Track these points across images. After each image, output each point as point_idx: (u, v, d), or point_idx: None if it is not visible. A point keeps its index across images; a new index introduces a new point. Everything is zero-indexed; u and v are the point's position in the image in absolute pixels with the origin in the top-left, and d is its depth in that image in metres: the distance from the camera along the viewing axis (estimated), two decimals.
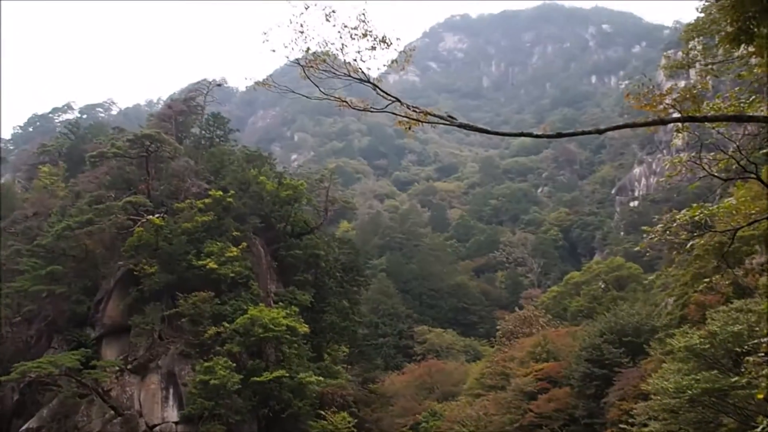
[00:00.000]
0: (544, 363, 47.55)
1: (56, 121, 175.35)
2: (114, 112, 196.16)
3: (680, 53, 18.10)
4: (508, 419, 44.61)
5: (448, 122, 13.58)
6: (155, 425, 41.30)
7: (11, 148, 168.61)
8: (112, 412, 42.40)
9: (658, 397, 27.78)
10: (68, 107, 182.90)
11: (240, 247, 48.85)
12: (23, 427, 44.02)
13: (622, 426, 33.54)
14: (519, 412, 44.52)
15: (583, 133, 14.48)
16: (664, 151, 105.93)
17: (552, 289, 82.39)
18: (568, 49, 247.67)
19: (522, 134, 16.77)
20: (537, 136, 15.51)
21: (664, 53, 64.42)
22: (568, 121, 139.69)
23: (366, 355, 67.83)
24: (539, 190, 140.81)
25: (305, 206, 63.65)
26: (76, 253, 51.47)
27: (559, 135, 14.81)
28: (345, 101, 13.15)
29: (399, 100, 12.81)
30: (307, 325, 46.39)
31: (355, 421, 47.41)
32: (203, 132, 70.81)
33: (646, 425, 30.03)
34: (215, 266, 46.52)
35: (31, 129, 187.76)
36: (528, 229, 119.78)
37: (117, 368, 44.29)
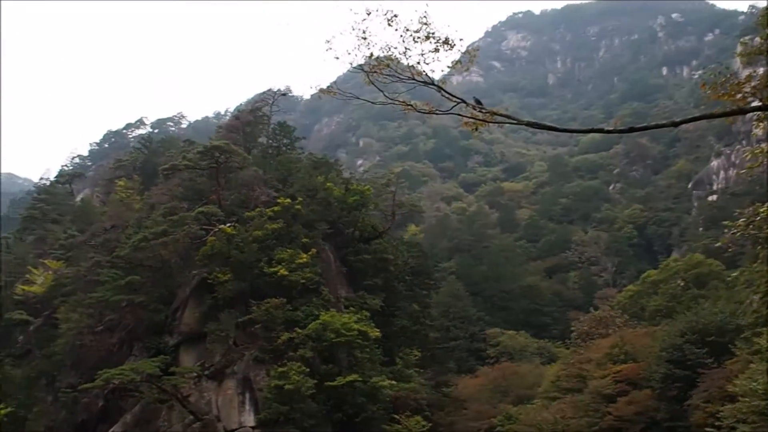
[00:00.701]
0: (622, 364, 46.46)
1: (130, 136, 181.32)
2: (184, 126, 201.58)
3: (758, 39, 17.43)
4: (585, 422, 43.75)
5: (515, 121, 13.48)
6: (233, 430, 42.17)
7: (89, 164, 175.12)
8: (192, 417, 43.52)
9: (747, 399, 26.82)
10: (141, 122, 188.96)
11: (309, 253, 49.48)
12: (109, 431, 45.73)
13: (707, 429, 32.46)
14: (597, 415, 43.61)
15: (657, 126, 14.14)
16: (744, 142, 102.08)
17: (628, 288, 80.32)
18: (636, 41, 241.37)
19: (592, 130, 16.54)
20: (608, 132, 15.25)
21: (740, 40, 61.97)
22: (638, 115, 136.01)
23: (438, 358, 67.59)
24: (611, 187, 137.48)
25: (372, 211, 63.98)
26: (153, 263, 53.07)
27: (632, 129, 14.52)
28: (409, 105, 13.18)
29: (464, 101, 12.77)
30: (378, 330, 46.59)
31: (429, 424, 47.19)
32: (270, 141, 72.10)
33: (734, 428, 29.01)
34: (286, 273, 47.25)
35: (106, 145, 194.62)
36: (600, 227, 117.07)
37: (195, 374, 45.44)
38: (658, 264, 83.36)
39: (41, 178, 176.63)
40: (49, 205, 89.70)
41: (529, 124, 14.52)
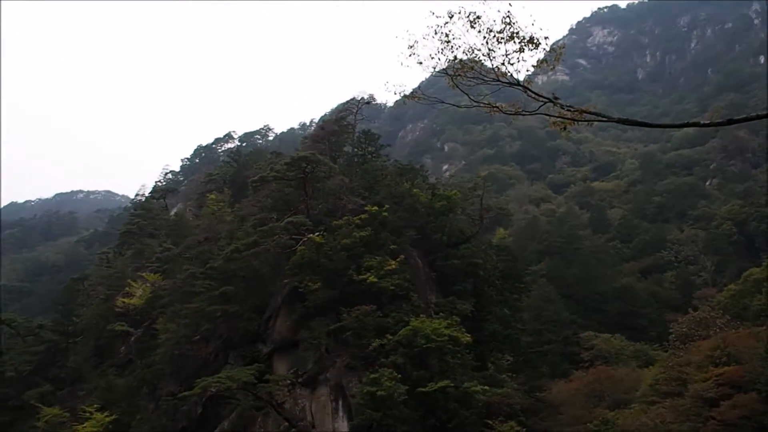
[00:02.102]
0: (724, 367, 44.32)
1: (219, 150, 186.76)
2: (271, 138, 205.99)
3: None
4: (687, 427, 41.89)
5: (605, 119, 13.04)
6: None
7: (181, 179, 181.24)
8: (287, 423, 44.19)
9: None
10: (229, 137, 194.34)
11: (398, 259, 49.52)
12: None
13: None
14: (699, 420, 41.69)
15: (756, 117, 13.36)
16: None
17: (729, 287, 76.66)
18: (729, 30, 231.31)
19: (686, 125, 15.78)
20: (703, 125, 14.56)
21: None
22: (735, 107, 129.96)
23: (531, 363, 66.37)
24: (707, 183, 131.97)
25: (460, 216, 63.54)
26: (245, 274, 54.31)
27: (730, 122, 13.81)
28: (495, 107, 12.95)
29: (552, 100, 12.43)
30: (468, 335, 46.12)
31: (524, 430, 46.37)
32: (355, 149, 72.70)
33: None
34: (375, 280, 47.43)
35: (197, 160, 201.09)
36: (697, 225, 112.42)
37: (288, 381, 46.14)
38: (761, 262, 79.35)
39: (137, 195, 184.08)
40: (145, 220, 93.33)
41: (619, 121, 14.00)
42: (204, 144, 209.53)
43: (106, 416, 54.24)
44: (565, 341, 76.66)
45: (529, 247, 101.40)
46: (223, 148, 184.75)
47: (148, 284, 67.75)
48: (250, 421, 45.81)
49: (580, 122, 12.75)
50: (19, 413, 66.82)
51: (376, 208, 52.71)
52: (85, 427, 54.08)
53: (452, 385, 41.75)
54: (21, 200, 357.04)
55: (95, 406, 56.28)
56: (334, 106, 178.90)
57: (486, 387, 44.19)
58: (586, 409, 56.12)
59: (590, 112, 12.57)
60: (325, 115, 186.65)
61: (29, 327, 78.68)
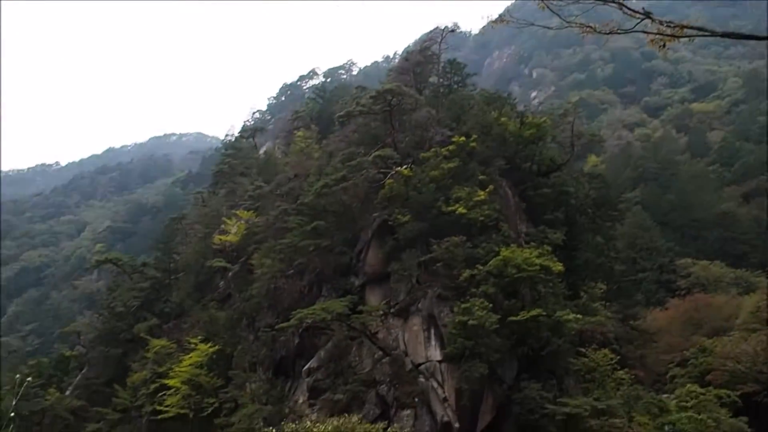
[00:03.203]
0: None
1: (304, 87, 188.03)
2: (354, 73, 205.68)
3: None
4: None
5: (708, 33, 12.28)
6: (420, 364, 43.27)
7: (268, 117, 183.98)
8: (381, 352, 45.23)
9: None
10: (313, 73, 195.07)
11: (487, 190, 48.96)
12: (305, 367, 48.74)
13: None
14: None
15: None
16: None
17: None
18: None
19: None
20: None
21: None
22: None
23: (625, 291, 65.21)
24: None
25: (550, 144, 62.02)
26: (335, 209, 55.08)
27: None
28: (588, 26, 12.40)
29: (649, 16, 11.77)
30: (560, 264, 45.48)
31: (618, 357, 45.94)
32: (441, 80, 71.60)
33: None
34: (464, 211, 47.16)
35: (283, 98, 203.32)
36: None
37: (381, 312, 47.05)
38: None
39: (227, 135, 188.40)
40: (236, 160, 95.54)
41: (724, 35, 13.14)
42: (289, 82, 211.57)
43: (210, 347, 56.98)
44: (660, 269, 74.89)
45: (623, 175, 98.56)
46: (308, 85, 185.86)
47: (242, 221, 69.70)
48: (345, 350, 47.13)
49: (679, 39, 12.02)
50: (130, 345, 71.06)
51: (463, 138, 52.04)
52: (190, 357, 57.05)
53: (544, 314, 41.48)
54: (118, 146, 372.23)
55: (199, 337, 59.17)
56: (418, 36, 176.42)
57: (578, 316, 43.71)
58: (683, 337, 55.15)
59: (691, 27, 11.82)
60: (409, 46, 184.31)
61: (134, 265, 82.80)
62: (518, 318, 41.28)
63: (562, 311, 42.49)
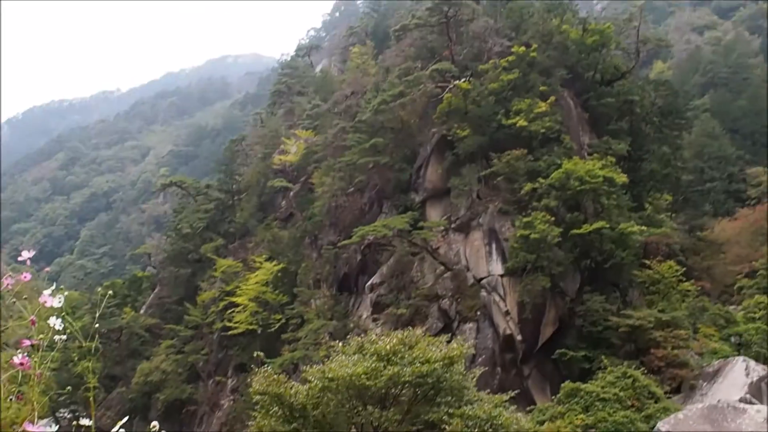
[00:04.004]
0: None
1: (358, 3, 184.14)
2: None
3: None
4: None
5: None
6: (482, 278, 43.44)
7: (323, 35, 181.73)
8: (442, 267, 45.53)
9: None
10: None
11: (548, 101, 47.62)
12: (368, 283, 49.55)
13: None
14: None
15: None
16: None
17: None
18: None
19: None
20: None
21: None
22: None
23: (691, 202, 63.63)
24: None
25: (614, 51, 59.59)
26: (393, 125, 54.64)
27: None
28: None
29: None
30: (624, 175, 44.45)
31: (683, 269, 45.17)
32: None
33: None
34: (525, 123, 46.14)
35: (337, 14, 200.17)
36: None
37: (442, 228, 47.11)
38: None
39: (282, 55, 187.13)
40: (292, 79, 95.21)
41: None
42: None
43: (274, 265, 58.29)
44: (729, 178, 72.58)
45: (691, 81, 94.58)
46: (361, 0, 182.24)
47: (301, 141, 69.96)
48: (407, 266, 47.60)
49: None
50: (198, 265, 73.25)
51: (523, 48, 50.38)
52: (256, 275, 58.54)
53: (608, 226, 40.84)
54: (176, 70, 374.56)
55: (263, 256, 60.51)
56: None
57: (643, 227, 42.95)
58: (752, 248, 53.75)
59: None
60: None
61: (198, 187, 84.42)
62: (581, 231, 40.79)
63: (626, 223, 41.78)
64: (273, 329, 55.59)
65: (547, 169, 44.22)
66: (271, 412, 20.60)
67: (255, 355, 43.76)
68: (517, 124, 46.13)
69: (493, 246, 43.91)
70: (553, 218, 40.77)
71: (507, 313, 41.29)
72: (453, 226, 47.15)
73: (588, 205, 43.70)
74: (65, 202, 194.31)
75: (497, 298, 41.95)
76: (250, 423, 26.87)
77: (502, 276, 42.51)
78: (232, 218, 75.63)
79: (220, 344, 63.44)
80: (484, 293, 42.75)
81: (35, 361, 3.01)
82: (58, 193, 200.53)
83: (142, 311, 78.72)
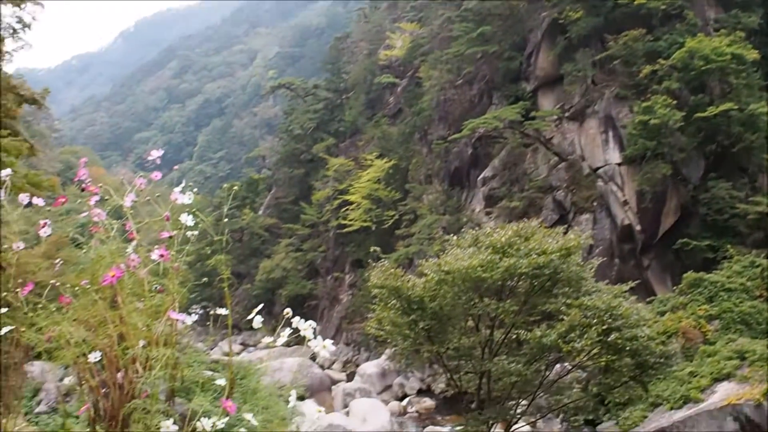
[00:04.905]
0: None
1: None
2: None
3: None
4: None
5: None
6: (598, 167, 42.11)
7: None
8: (556, 158, 44.39)
9: None
10: None
11: None
12: (480, 176, 49.10)
13: None
14: None
15: None
16: None
17: None
18: None
19: None
20: None
21: None
22: None
23: None
24: None
25: None
26: (501, 11, 52.53)
27: None
28: None
29: None
30: (756, 51, 41.11)
31: None
32: None
33: None
34: (643, 0, 43.16)
35: None
36: None
37: (555, 117, 45.61)
38: None
39: None
40: None
41: None
42: None
43: (385, 162, 58.64)
44: None
45: None
46: None
47: (406, 34, 68.60)
48: (519, 157, 46.72)
49: None
50: (311, 165, 74.81)
51: None
52: (368, 173, 59.19)
53: (735, 107, 38.22)
54: None
55: (374, 153, 60.91)
56: None
57: None
58: None
59: None
60: None
61: (306, 88, 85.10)
62: (706, 114, 38.42)
63: (756, 104, 38.98)
64: (387, 225, 56.52)
65: (669, 48, 41.52)
66: (389, 305, 21.07)
67: (372, 250, 44.83)
68: (635, 2, 43.13)
69: (610, 134, 42.22)
70: (674, 101, 38.53)
71: (625, 202, 40.08)
72: (567, 114, 45.54)
73: (714, 86, 40.96)
74: (181, 109, 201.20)
75: (615, 188, 40.70)
76: (369, 316, 27.72)
77: (619, 165, 41.03)
78: (342, 117, 76.11)
79: (336, 241, 65.29)
80: (600, 183, 41.54)
81: (173, 254, 3.04)
82: (173, 101, 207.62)
83: (260, 212, 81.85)
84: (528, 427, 29.00)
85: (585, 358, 19.91)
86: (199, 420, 2.89)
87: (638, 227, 39.32)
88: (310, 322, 2.96)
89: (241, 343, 64.27)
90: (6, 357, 3.33)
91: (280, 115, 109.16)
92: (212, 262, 47.04)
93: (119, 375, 2.92)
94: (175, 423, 2.83)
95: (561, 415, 23.40)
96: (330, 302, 63.37)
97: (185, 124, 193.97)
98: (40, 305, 3.08)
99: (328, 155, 69.67)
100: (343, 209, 60.63)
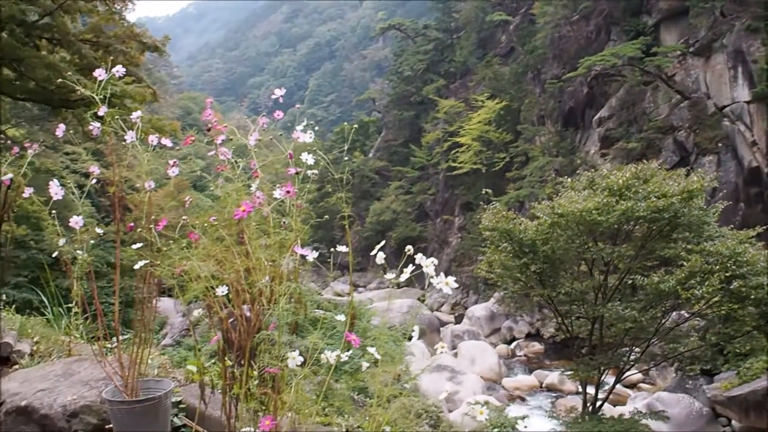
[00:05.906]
0: None
1: None
2: None
3: None
4: None
5: None
6: (724, 106, 39.68)
7: None
8: (678, 96, 42.13)
9: None
10: None
11: None
12: (595, 116, 47.40)
13: None
14: None
15: None
16: None
17: None
18: None
19: None
20: None
21: None
22: None
23: None
24: None
25: None
26: None
27: None
28: None
29: None
30: None
31: None
32: None
33: None
34: None
35: None
36: None
37: (678, 52, 43.10)
38: None
39: None
40: None
41: None
42: None
43: (497, 103, 57.48)
44: None
45: None
46: None
47: None
48: (638, 96, 44.63)
49: None
50: (421, 107, 74.43)
51: None
52: (478, 114, 58.28)
53: None
54: None
55: (485, 94, 59.77)
56: None
57: None
58: None
59: None
60: None
61: (416, 28, 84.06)
62: None
63: None
64: (497, 168, 55.76)
65: None
66: (500, 248, 20.84)
67: (483, 192, 44.38)
68: None
69: (739, 69, 39.53)
70: None
71: (753, 143, 37.69)
72: (691, 49, 42.91)
73: None
74: (292, 54, 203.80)
75: (742, 128, 38.30)
76: (478, 258, 27.58)
77: (748, 103, 38.47)
78: (452, 58, 74.91)
79: (445, 184, 65.10)
80: (726, 122, 39.17)
81: (297, 191, 3.18)
82: (285, 46, 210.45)
83: (370, 155, 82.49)
84: (640, 375, 28.43)
85: (704, 306, 19.08)
86: (322, 352, 2.99)
87: (767, 170, 37.04)
88: (432, 258, 2.92)
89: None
90: (139, 291, 3.48)
91: (390, 57, 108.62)
92: (330, 201, 47.78)
93: (246, 308, 3.01)
94: (300, 354, 2.91)
95: (675, 364, 22.71)
96: (439, 245, 63.59)
97: (296, 68, 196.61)
98: (171, 241, 3.21)
99: (438, 97, 68.99)
100: (453, 151, 60.17)
